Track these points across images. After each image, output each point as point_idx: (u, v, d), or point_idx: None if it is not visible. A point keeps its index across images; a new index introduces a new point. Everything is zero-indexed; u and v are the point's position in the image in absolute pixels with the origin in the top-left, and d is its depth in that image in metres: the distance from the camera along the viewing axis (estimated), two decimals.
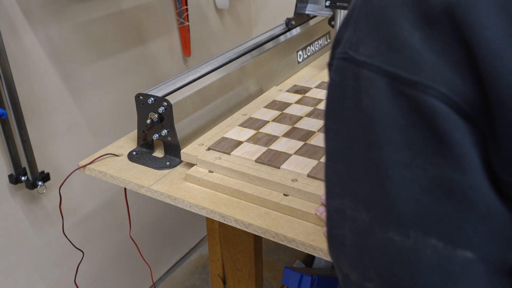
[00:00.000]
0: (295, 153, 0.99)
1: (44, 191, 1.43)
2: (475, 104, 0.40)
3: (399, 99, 0.42)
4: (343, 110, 0.47)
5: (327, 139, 0.50)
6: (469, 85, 0.40)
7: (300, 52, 1.47)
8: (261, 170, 0.94)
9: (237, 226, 0.88)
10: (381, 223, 0.44)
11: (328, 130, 0.50)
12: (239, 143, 1.03)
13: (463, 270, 0.41)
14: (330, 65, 0.50)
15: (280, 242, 0.84)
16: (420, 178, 0.42)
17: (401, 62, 0.42)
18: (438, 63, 0.41)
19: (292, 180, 0.90)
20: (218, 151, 1.00)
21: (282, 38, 1.42)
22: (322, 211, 0.84)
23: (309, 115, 1.14)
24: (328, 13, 1.47)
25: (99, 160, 1.06)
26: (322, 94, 1.24)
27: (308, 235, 0.82)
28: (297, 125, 1.10)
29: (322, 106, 1.18)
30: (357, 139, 0.45)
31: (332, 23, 1.41)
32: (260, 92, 1.29)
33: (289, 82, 1.37)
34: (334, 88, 0.48)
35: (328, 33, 1.62)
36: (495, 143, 0.40)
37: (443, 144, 0.41)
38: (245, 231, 0.89)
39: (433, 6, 0.42)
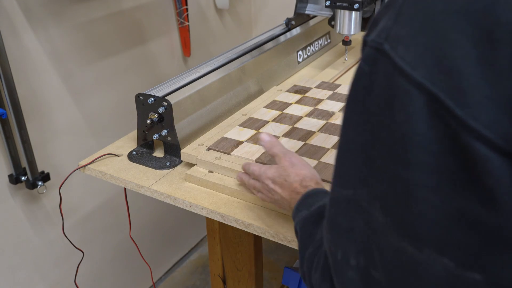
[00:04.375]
0: (295, 153, 0.98)
1: (44, 191, 1.43)
2: None
3: (436, 123, 0.39)
4: (369, 104, 0.43)
5: (345, 127, 0.47)
6: None
7: (300, 52, 1.47)
8: None
9: (237, 226, 0.88)
10: (396, 230, 0.43)
11: (347, 118, 0.46)
12: (239, 143, 1.03)
13: None
14: (364, 43, 0.44)
15: (280, 242, 0.84)
16: (445, 204, 0.40)
17: (446, 86, 0.38)
18: (486, 99, 0.37)
19: None
20: (218, 151, 1.00)
21: (282, 38, 1.42)
22: (247, 179, 0.86)
23: (309, 115, 1.14)
24: (328, 13, 1.46)
25: (99, 160, 1.06)
26: (322, 94, 1.24)
27: None
28: (297, 125, 1.10)
29: (322, 106, 1.18)
30: (383, 143, 0.42)
31: (332, 23, 1.41)
32: (260, 92, 1.29)
33: (289, 82, 1.37)
34: (361, 77, 0.44)
35: (328, 33, 1.62)
36: None
37: (477, 183, 0.38)
38: (245, 231, 0.89)
39: (500, 22, 0.36)
